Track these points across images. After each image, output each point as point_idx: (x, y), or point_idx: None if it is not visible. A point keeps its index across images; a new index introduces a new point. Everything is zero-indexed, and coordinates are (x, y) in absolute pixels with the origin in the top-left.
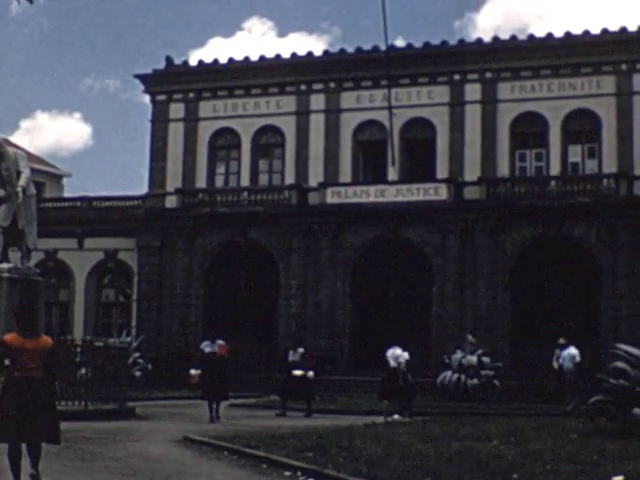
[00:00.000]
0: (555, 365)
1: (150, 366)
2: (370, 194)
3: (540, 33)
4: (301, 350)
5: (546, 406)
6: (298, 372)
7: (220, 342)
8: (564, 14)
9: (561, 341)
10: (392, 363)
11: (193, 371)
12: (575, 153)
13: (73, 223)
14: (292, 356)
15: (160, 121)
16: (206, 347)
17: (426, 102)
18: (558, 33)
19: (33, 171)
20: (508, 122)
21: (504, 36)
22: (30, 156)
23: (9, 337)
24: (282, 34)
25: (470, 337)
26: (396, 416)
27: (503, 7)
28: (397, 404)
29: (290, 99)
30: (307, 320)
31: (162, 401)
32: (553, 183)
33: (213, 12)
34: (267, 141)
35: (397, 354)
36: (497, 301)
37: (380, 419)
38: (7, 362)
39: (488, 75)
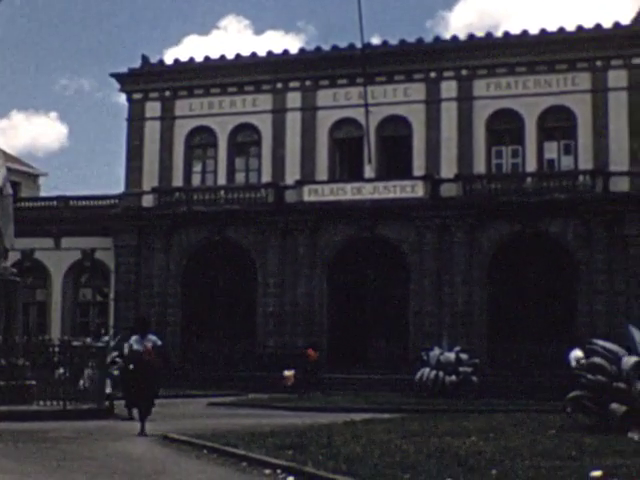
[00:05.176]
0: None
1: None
2: (347, 192)
3: (513, 31)
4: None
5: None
6: None
7: (152, 338)
8: (535, 12)
9: None
10: (574, 364)
11: (287, 372)
12: (551, 150)
13: (49, 223)
14: (137, 343)
15: (136, 120)
16: (135, 343)
17: (402, 99)
18: (533, 30)
19: (9, 170)
20: (484, 119)
21: (477, 34)
22: (5, 155)
23: None
24: (258, 32)
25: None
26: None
27: (475, 5)
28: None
29: (266, 97)
30: (285, 318)
31: None
32: (529, 180)
33: (189, 10)
34: (243, 139)
35: (579, 356)
36: (474, 298)
37: (357, 416)
38: None
39: (464, 72)
